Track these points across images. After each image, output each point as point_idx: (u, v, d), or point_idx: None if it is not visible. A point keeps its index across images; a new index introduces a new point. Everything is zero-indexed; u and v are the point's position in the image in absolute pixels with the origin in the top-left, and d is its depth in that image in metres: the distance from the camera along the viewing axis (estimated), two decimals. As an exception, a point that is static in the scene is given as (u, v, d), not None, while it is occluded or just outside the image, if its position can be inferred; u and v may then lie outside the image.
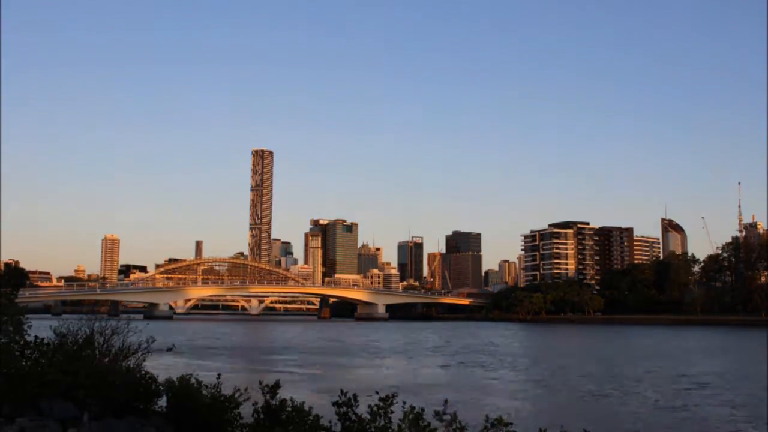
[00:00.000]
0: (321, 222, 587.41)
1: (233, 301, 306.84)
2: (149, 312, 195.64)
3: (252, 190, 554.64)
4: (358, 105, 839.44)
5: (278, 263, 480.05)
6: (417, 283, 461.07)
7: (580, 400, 34.27)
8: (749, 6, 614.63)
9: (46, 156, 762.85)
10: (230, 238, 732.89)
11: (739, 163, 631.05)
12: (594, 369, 53.78)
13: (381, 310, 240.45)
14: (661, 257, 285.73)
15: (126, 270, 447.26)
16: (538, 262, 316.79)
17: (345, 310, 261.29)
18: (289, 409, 10.59)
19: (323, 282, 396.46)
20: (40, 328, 13.03)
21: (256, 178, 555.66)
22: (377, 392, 9.93)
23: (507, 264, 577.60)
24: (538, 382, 43.72)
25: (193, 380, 12.04)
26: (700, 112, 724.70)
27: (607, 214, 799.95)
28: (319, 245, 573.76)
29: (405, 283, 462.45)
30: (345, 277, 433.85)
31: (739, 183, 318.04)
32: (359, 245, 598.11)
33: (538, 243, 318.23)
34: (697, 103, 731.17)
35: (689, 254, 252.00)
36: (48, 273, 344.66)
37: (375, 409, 9.53)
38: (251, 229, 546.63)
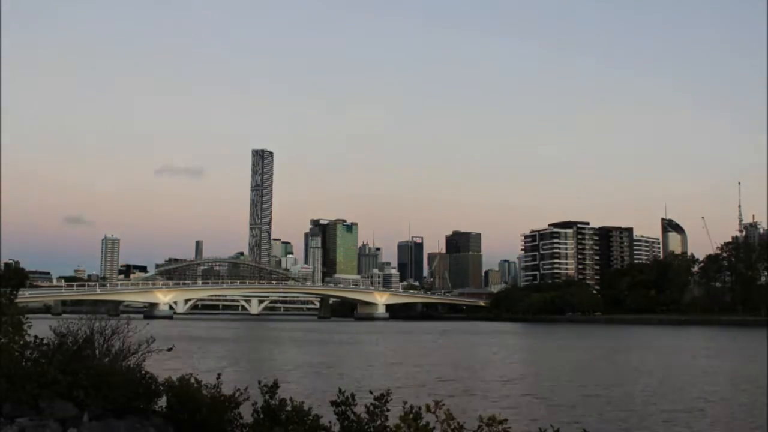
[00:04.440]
0: (321, 222, 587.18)
1: (233, 301, 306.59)
2: (149, 312, 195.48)
3: (252, 190, 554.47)
4: (359, 105, 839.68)
5: (278, 263, 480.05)
6: (417, 283, 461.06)
7: (578, 400, 34.30)
8: (750, 7, 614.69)
9: (46, 156, 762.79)
10: (230, 238, 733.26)
11: (739, 163, 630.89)
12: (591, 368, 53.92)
13: (381, 309, 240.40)
14: (661, 257, 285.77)
15: (126, 270, 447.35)
16: (537, 262, 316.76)
17: (345, 309, 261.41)
18: (289, 408, 10.61)
19: (323, 282, 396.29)
20: (40, 328, 13.03)
21: (256, 178, 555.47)
22: (371, 392, 9.97)
23: (507, 264, 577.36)
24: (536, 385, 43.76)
25: (193, 380, 12.06)
26: (700, 111, 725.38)
27: (607, 214, 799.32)
28: (319, 245, 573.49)
29: (405, 283, 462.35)
30: (345, 277, 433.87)
31: (739, 183, 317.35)
32: (359, 245, 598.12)
33: (538, 243, 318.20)
34: (697, 103, 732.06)
35: (689, 254, 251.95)
36: (48, 273, 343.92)
37: (372, 408, 9.56)
38: (251, 229, 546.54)
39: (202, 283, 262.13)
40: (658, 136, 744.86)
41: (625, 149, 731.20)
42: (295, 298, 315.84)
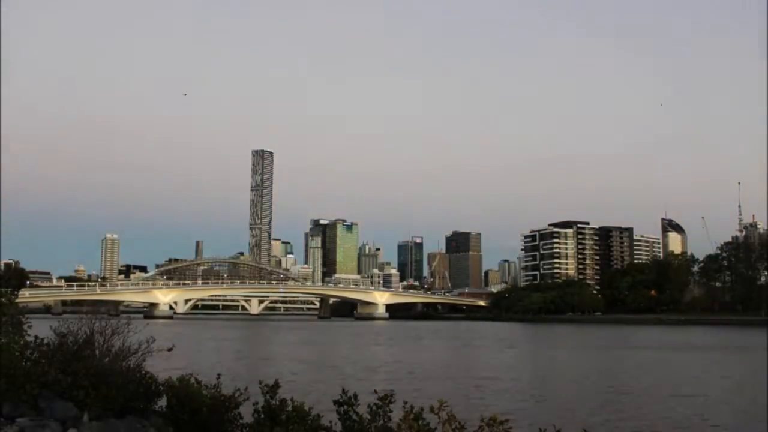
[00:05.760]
0: (321, 222, 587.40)
1: (233, 301, 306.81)
2: (149, 312, 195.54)
3: (252, 190, 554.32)
4: (358, 104, 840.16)
5: (278, 263, 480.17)
6: (417, 283, 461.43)
7: (579, 400, 34.28)
8: (749, 6, 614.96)
9: (46, 155, 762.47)
10: (230, 238, 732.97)
11: (739, 163, 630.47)
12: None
13: (381, 309, 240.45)
14: (661, 257, 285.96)
15: (126, 270, 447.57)
16: (537, 262, 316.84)
17: (345, 309, 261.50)
18: (289, 408, 10.59)
19: (323, 282, 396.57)
20: (40, 328, 13.01)
21: (256, 178, 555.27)
22: (375, 391, 9.96)
23: (507, 264, 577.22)
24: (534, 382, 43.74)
25: (193, 380, 12.04)
26: (700, 111, 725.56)
27: (607, 214, 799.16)
28: (319, 245, 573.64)
29: (405, 283, 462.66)
30: (345, 277, 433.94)
31: (738, 183, 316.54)
32: (359, 245, 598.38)
33: (538, 243, 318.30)
34: (697, 102, 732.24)
35: (689, 254, 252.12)
36: (48, 273, 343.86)
37: (374, 408, 9.55)
38: (251, 229, 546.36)
39: (202, 283, 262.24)
40: (658, 136, 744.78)
41: (626, 149, 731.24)
42: (295, 298, 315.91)
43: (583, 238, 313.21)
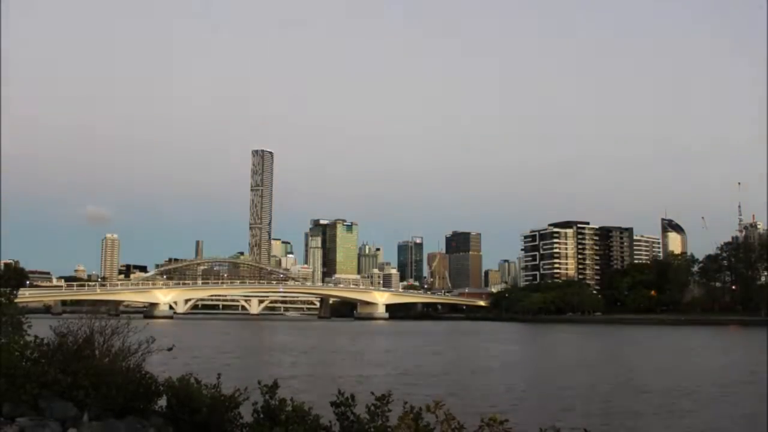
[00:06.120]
0: (321, 222, 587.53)
1: (233, 300, 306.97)
2: (149, 312, 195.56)
3: (252, 190, 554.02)
4: (358, 104, 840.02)
5: (278, 263, 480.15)
6: (417, 283, 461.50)
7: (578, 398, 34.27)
8: (750, 5, 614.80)
9: (46, 155, 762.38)
10: (230, 238, 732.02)
11: (739, 163, 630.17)
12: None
13: (381, 309, 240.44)
14: (661, 257, 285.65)
15: (126, 270, 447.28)
16: (537, 262, 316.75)
17: (345, 309, 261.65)
18: (289, 408, 10.61)
19: (323, 282, 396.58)
20: (40, 328, 13.04)
21: (256, 178, 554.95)
22: (373, 392, 9.98)
23: (507, 264, 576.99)
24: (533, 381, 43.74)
25: (192, 380, 12.06)
26: (699, 110, 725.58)
27: (607, 214, 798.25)
28: (319, 245, 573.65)
29: (405, 283, 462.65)
30: (345, 277, 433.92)
31: (738, 183, 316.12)
32: (359, 245, 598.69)
33: (537, 243, 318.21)
34: (697, 102, 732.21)
35: (689, 254, 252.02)
36: (48, 273, 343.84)
37: (373, 408, 9.57)
38: (251, 229, 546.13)
39: (202, 283, 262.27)
40: (658, 136, 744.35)
41: (625, 149, 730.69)
42: (295, 298, 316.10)
43: (583, 238, 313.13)
